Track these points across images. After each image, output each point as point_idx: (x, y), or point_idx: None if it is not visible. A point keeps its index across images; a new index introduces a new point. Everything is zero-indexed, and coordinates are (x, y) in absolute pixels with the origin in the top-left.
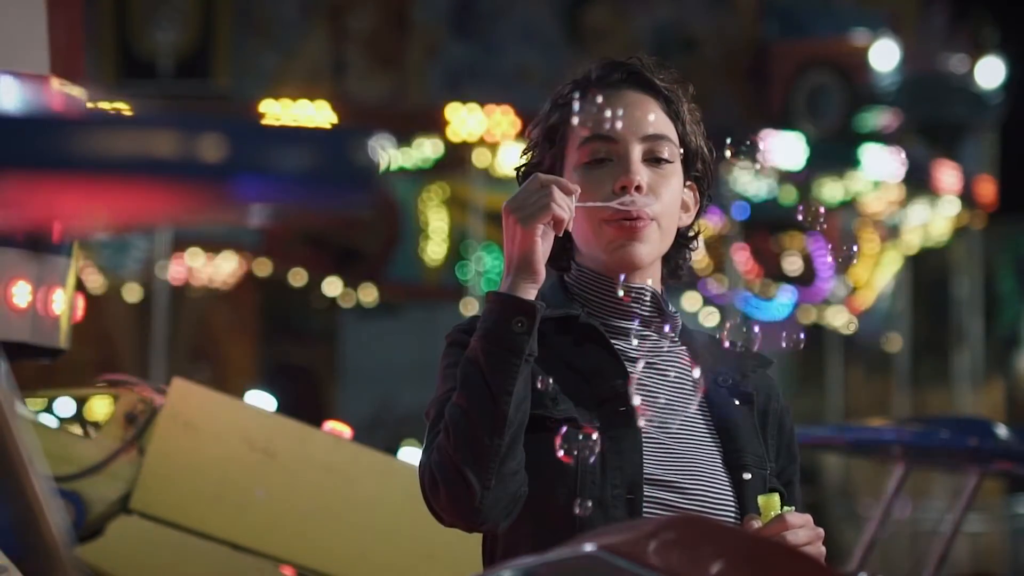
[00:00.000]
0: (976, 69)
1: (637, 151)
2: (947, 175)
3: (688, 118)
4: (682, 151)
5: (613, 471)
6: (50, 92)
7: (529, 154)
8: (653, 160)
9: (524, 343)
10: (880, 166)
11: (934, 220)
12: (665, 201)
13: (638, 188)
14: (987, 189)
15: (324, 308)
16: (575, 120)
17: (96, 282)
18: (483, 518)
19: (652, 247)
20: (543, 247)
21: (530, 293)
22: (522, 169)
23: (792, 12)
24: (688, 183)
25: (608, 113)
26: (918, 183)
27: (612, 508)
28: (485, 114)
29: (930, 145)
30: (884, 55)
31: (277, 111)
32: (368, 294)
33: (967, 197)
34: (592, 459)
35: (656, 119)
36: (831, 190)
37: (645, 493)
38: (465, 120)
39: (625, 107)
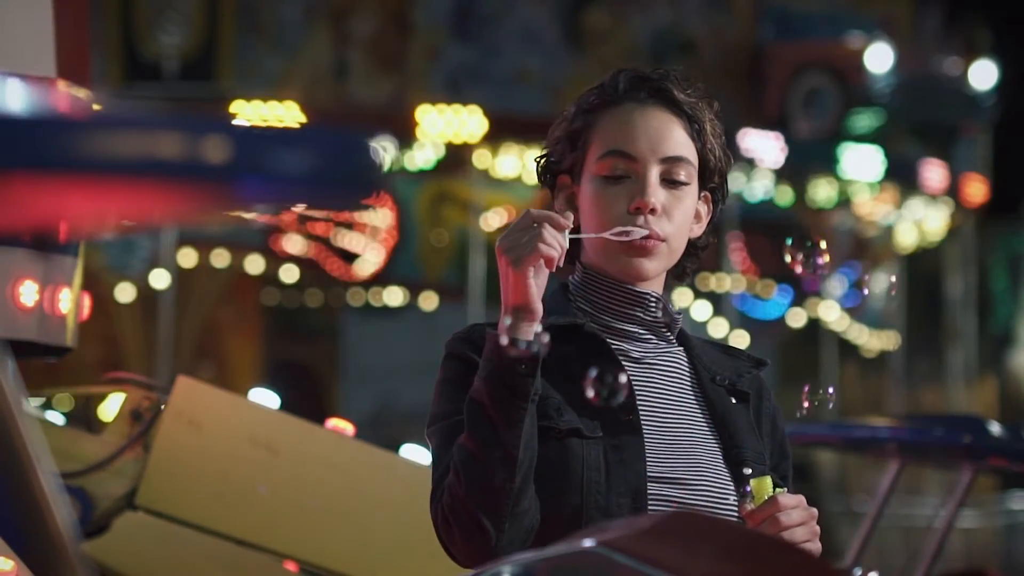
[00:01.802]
0: (969, 72)
1: (655, 172)
2: (941, 176)
3: (709, 135)
4: (699, 167)
5: (617, 480)
6: (57, 94)
7: (551, 152)
8: (670, 180)
9: (529, 385)
10: (877, 167)
11: (928, 220)
12: (677, 222)
13: (652, 210)
14: (980, 190)
15: (327, 307)
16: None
17: (102, 281)
18: (499, 559)
19: (660, 263)
20: (538, 283)
21: (529, 332)
22: (542, 162)
23: (788, 15)
24: (703, 193)
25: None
26: (912, 184)
27: (617, 516)
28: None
29: (924, 146)
30: (879, 58)
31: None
32: (370, 293)
33: (960, 198)
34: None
35: (678, 140)
36: (826, 191)
37: (652, 491)
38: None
39: (648, 126)
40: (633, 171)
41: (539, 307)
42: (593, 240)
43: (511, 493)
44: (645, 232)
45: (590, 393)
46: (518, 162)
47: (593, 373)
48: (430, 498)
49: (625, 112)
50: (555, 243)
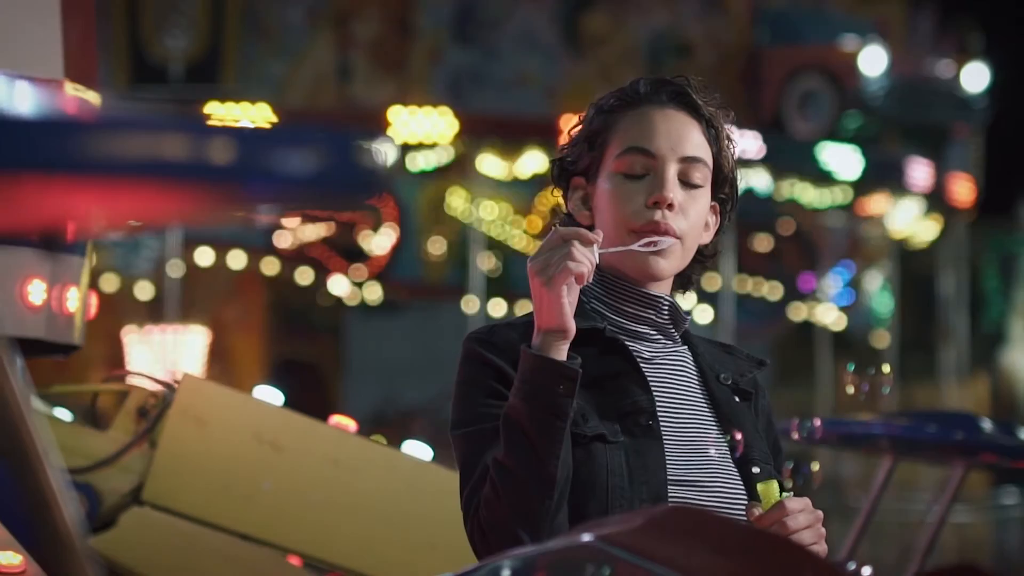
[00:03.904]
0: (962, 74)
1: (673, 170)
2: (934, 177)
3: (725, 143)
4: (713, 173)
5: (639, 484)
6: (64, 96)
7: (567, 152)
8: (686, 181)
9: (568, 406)
10: (870, 168)
11: (921, 220)
12: (692, 221)
13: (670, 206)
14: (972, 190)
15: (330, 306)
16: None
17: (109, 280)
18: None
19: (674, 263)
20: (570, 299)
21: (563, 350)
22: (558, 164)
23: (783, 19)
24: (712, 203)
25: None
26: (906, 185)
27: None
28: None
29: (917, 148)
30: (873, 60)
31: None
32: (373, 292)
33: (953, 198)
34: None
35: (696, 142)
36: (820, 190)
37: (671, 494)
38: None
39: (669, 126)
40: (652, 168)
41: (572, 325)
42: (613, 241)
43: (550, 509)
44: (672, 241)
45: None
46: (518, 162)
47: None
48: (463, 510)
49: (645, 113)
50: (585, 260)
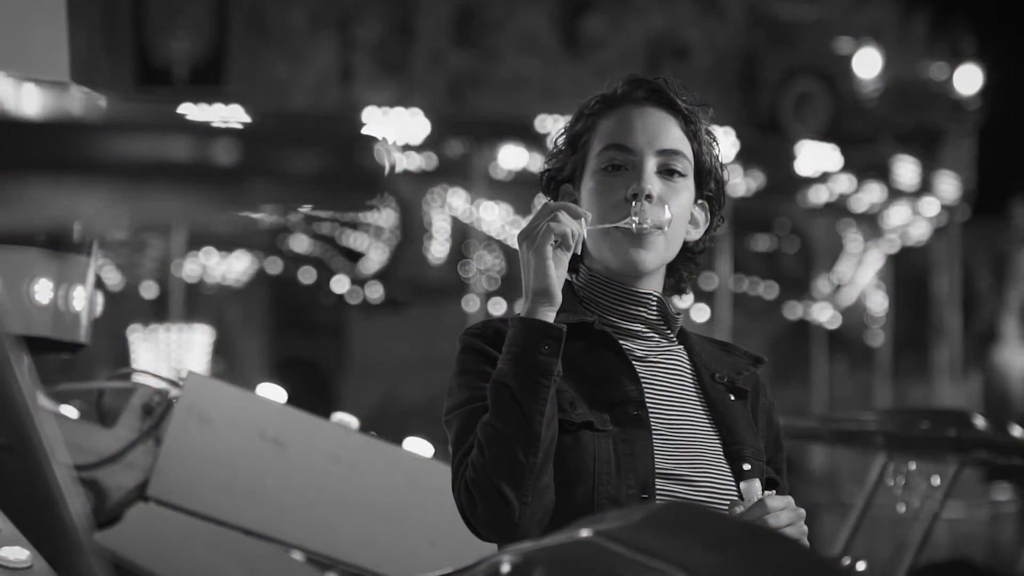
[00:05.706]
0: (955, 76)
1: (651, 163)
2: (927, 178)
3: (705, 139)
4: (695, 168)
5: (627, 472)
6: (70, 97)
7: (553, 160)
8: (666, 172)
9: (552, 365)
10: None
11: (915, 220)
12: (673, 212)
13: (648, 197)
14: (965, 191)
15: (332, 305)
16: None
17: (115, 280)
18: (521, 533)
19: (657, 255)
20: (558, 272)
21: (549, 316)
22: (546, 174)
23: (779, 22)
24: (700, 201)
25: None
26: (900, 185)
27: (626, 507)
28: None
29: (911, 149)
30: (867, 63)
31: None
32: (374, 292)
33: (946, 199)
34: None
35: (674, 135)
36: (816, 191)
37: (658, 486)
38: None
39: (645, 122)
40: (631, 163)
41: (559, 292)
42: (595, 237)
43: (534, 468)
44: (662, 224)
45: None
46: (518, 162)
47: None
48: (452, 479)
49: (623, 111)
50: (571, 223)
